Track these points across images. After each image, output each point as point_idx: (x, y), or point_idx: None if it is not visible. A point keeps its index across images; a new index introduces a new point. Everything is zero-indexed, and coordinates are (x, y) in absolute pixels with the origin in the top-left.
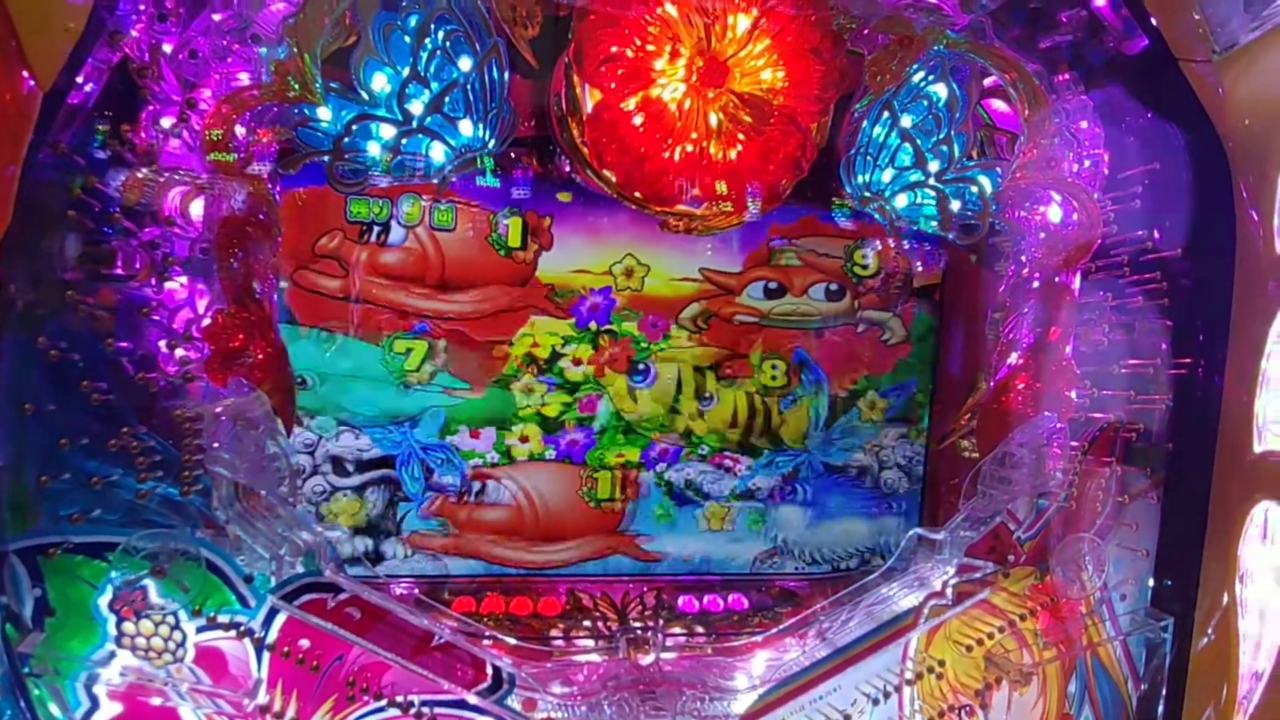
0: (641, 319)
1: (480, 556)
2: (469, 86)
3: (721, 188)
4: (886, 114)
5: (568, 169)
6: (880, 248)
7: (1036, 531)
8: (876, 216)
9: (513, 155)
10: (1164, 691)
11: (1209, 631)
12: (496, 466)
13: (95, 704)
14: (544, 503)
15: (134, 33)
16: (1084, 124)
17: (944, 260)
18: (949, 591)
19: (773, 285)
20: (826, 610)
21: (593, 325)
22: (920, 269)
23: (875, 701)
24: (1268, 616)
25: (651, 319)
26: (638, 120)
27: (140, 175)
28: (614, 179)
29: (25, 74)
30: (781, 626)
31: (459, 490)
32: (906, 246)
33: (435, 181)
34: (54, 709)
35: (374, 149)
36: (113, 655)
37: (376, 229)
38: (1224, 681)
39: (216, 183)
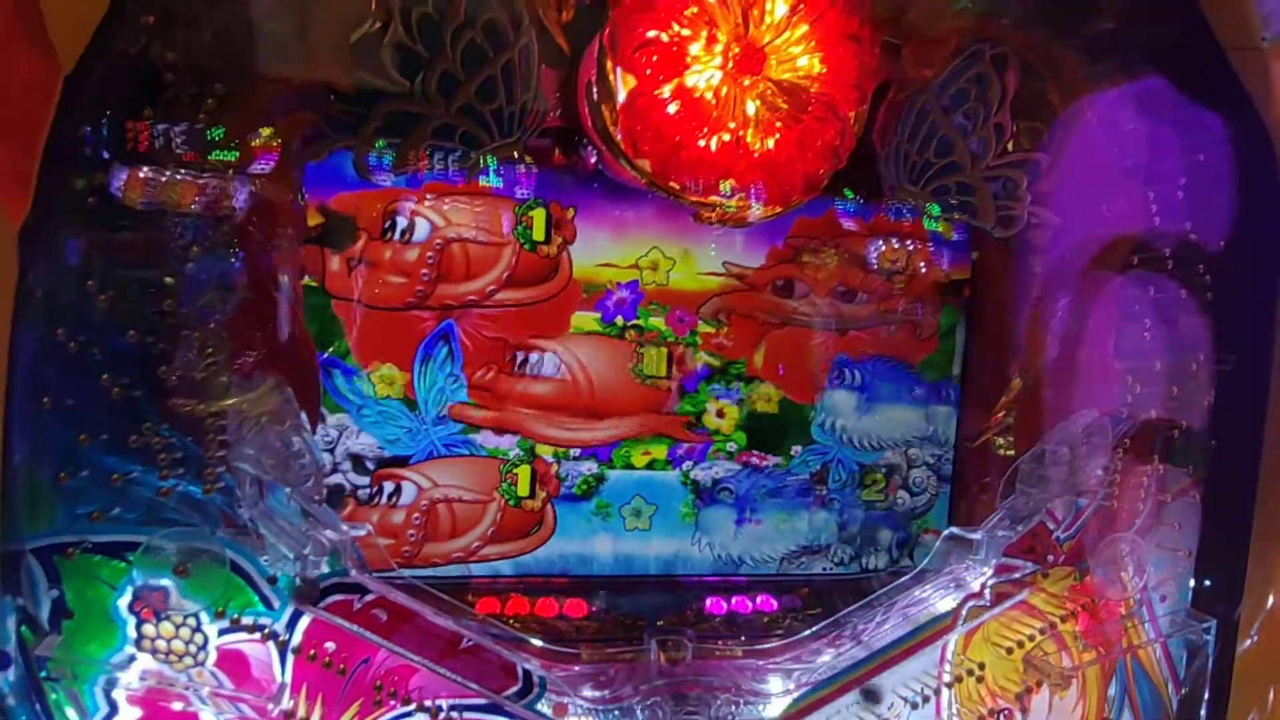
0: (669, 313)
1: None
2: (500, 74)
3: (725, 188)
4: (924, 104)
5: (594, 160)
6: (910, 246)
7: (1075, 531)
8: (912, 208)
9: (515, 155)
10: (1206, 695)
11: (1253, 633)
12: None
13: (114, 709)
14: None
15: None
16: (1125, 114)
17: (974, 255)
18: (987, 593)
19: (780, 283)
20: (859, 613)
21: (619, 320)
22: (948, 265)
23: (914, 705)
24: None
25: (679, 314)
26: (673, 108)
27: (141, 175)
28: (649, 168)
29: (48, 56)
30: (814, 629)
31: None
32: (932, 247)
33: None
34: (71, 714)
35: (402, 138)
36: (132, 659)
37: (401, 226)
38: (1270, 685)
39: (224, 179)
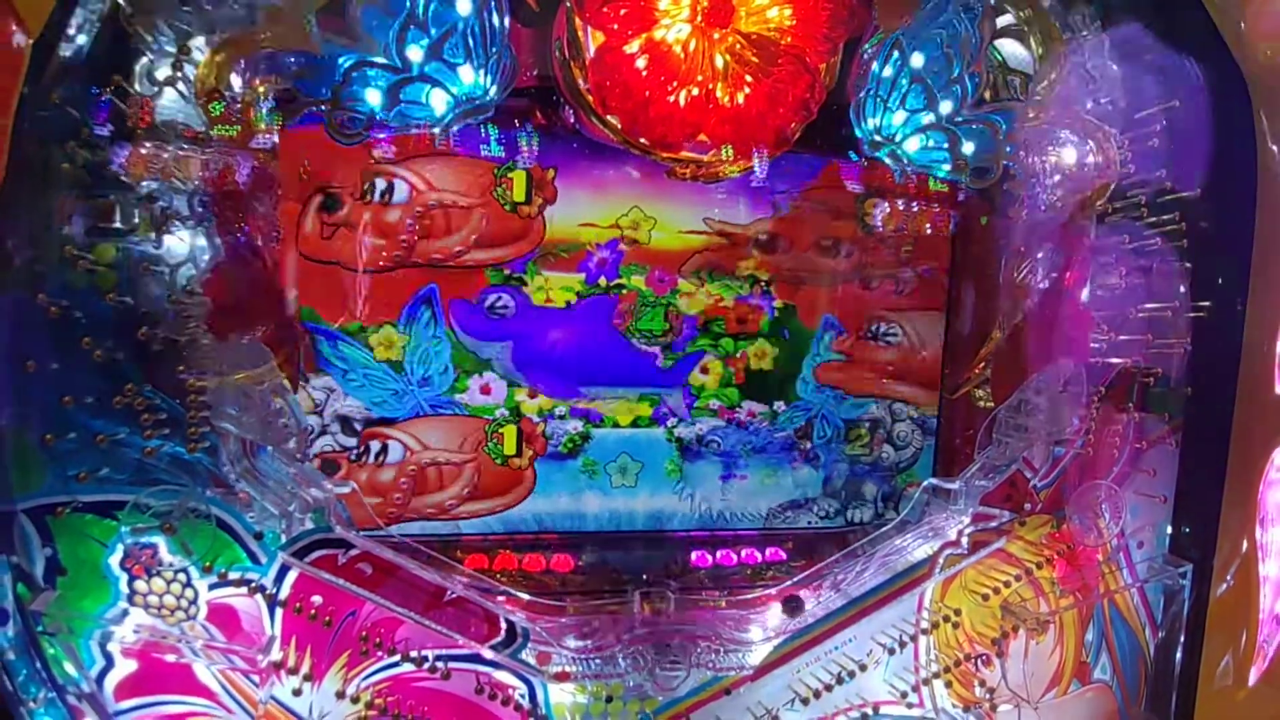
0: (649, 273)
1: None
2: (468, 31)
3: (727, 152)
4: (896, 54)
5: (572, 120)
6: (888, 209)
7: (1053, 479)
8: (888, 161)
9: (516, 122)
10: (1182, 638)
11: (1228, 578)
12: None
13: (110, 662)
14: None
15: None
16: (1101, 62)
17: (956, 212)
18: (964, 541)
19: (763, 238)
20: (840, 562)
21: (602, 280)
22: (930, 229)
23: (891, 651)
24: None
25: (659, 273)
26: (641, 63)
27: (144, 151)
28: (618, 125)
29: (13, 23)
30: (795, 579)
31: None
32: (915, 208)
33: (435, 131)
34: (69, 667)
35: (373, 97)
36: (126, 613)
37: (380, 187)
38: (1243, 627)
39: (221, 155)
